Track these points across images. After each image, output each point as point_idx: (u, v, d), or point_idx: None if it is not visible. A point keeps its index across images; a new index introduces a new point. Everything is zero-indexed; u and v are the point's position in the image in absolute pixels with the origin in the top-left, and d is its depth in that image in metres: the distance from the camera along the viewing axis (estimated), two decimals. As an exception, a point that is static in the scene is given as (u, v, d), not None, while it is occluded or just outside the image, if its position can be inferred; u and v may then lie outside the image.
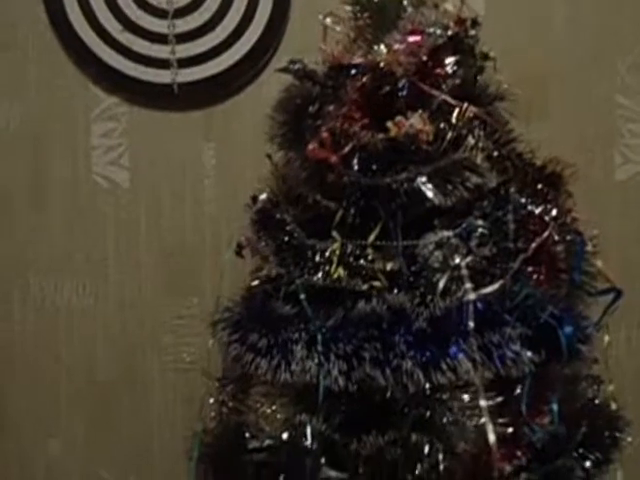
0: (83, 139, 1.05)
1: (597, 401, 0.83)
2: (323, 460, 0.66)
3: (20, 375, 1.07)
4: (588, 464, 0.74)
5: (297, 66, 0.84)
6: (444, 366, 0.63)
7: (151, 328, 1.08)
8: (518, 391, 0.67)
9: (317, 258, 0.71)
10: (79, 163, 1.05)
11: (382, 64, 0.76)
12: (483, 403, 0.62)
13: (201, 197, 1.07)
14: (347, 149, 0.67)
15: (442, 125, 0.75)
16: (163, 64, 1.01)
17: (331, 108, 0.77)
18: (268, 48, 1.02)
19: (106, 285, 1.07)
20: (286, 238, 0.74)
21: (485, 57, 0.83)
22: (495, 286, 0.68)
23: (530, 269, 0.73)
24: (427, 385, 0.63)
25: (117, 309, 1.07)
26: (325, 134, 0.67)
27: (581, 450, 0.74)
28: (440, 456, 0.62)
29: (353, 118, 0.70)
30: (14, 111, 1.03)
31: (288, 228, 0.74)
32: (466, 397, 0.65)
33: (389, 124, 0.71)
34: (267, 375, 0.67)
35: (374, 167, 0.68)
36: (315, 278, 0.70)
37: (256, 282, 0.79)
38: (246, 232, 0.82)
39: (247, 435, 0.70)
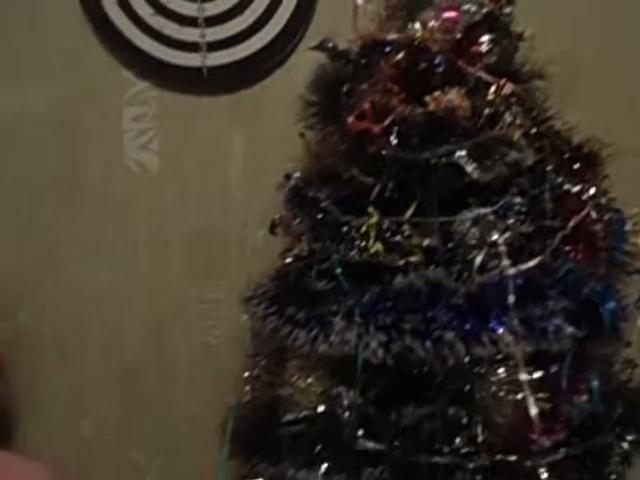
0: (115, 123, 1.04)
1: (631, 384, 0.81)
2: (360, 432, 0.66)
3: (52, 356, 1.07)
4: (626, 444, 0.73)
5: (330, 44, 0.83)
6: (485, 338, 0.62)
7: (179, 310, 1.08)
8: (557, 368, 0.66)
9: (353, 234, 0.70)
10: (110, 147, 1.05)
11: (417, 41, 0.76)
12: (524, 377, 0.61)
13: (228, 181, 1.07)
14: (387, 121, 0.66)
15: (478, 102, 0.74)
16: (193, 47, 1.01)
17: (364, 86, 0.77)
18: (297, 31, 1.02)
19: (136, 267, 1.07)
20: (321, 215, 0.73)
21: (520, 37, 0.82)
22: (535, 261, 0.67)
23: (568, 247, 0.72)
24: (467, 358, 0.63)
25: (146, 291, 1.07)
26: (366, 105, 0.66)
27: (618, 430, 0.73)
28: (479, 428, 0.61)
29: (391, 92, 0.69)
30: (48, 96, 1.03)
31: (322, 205, 0.74)
32: (505, 371, 0.64)
33: (427, 99, 0.70)
34: (305, 347, 0.67)
35: (413, 141, 0.67)
36: (352, 253, 0.69)
37: (288, 260, 0.79)
38: (279, 211, 0.82)
39: (282, 408, 0.70)
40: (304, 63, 1.02)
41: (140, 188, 1.06)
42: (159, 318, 1.08)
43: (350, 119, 0.68)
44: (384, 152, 0.67)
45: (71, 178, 1.05)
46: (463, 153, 0.67)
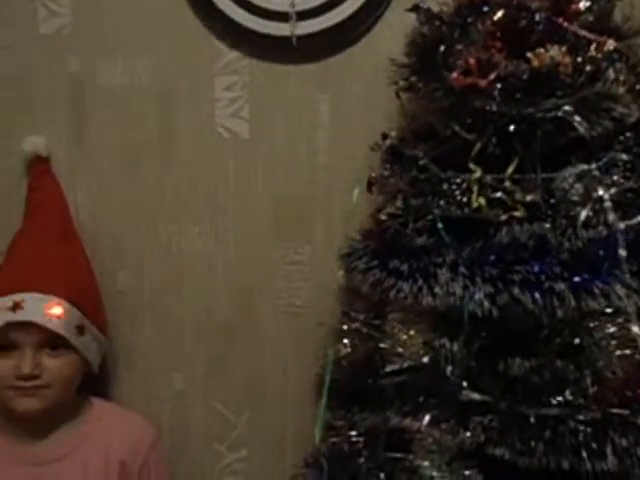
0: (207, 92, 1.06)
1: None
2: (464, 383, 0.65)
3: (149, 314, 1.11)
4: None
5: (425, 6, 0.82)
6: (596, 291, 0.61)
7: (265, 272, 1.10)
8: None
9: (454, 190, 0.70)
10: (203, 115, 1.07)
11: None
12: (636, 330, 0.59)
13: (315, 147, 1.07)
14: (492, 76, 0.65)
15: (579, 59, 0.71)
16: (283, 17, 1.02)
17: (460, 46, 0.76)
18: (384, -2, 1.01)
19: (225, 230, 1.09)
20: (419, 172, 0.73)
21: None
22: (645, 215, 0.65)
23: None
24: (576, 311, 0.61)
25: (235, 253, 1.10)
26: (472, 61, 0.65)
27: None
28: (589, 382, 0.60)
29: (493, 48, 0.67)
30: (145, 67, 1.06)
31: (421, 163, 0.73)
32: (616, 325, 0.63)
33: (530, 55, 0.68)
34: (408, 299, 0.67)
35: (517, 96, 0.66)
36: (453, 209, 0.68)
37: (382, 218, 0.79)
38: (374, 171, 0.82)
39: (382, 360, 0.70)
40: (390, 30, 1.03)
41: (230, 154, 1.08)
42: (247, 279, 1.10)
43: (454, 75, 0.67)
44: (488, 107, 0.66)
45: (167, 145, 1.08)
46: (569, 108, 0.65)
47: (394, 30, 1.02)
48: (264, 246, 1.09)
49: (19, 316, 0.90)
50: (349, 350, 0.77)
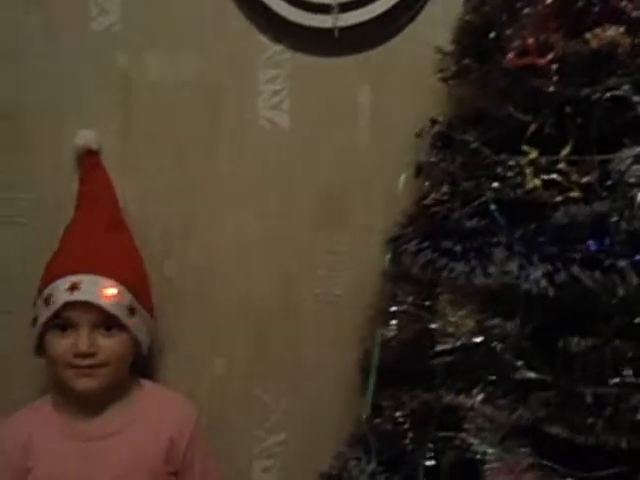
0: (250, 85, 1.06)
1: None
2: (519, 362, 0.64)
3: (192, 301, 1.11)
4: None
5: (475, -8, 0.81)
6: (658, 269, 0.59)
7: (305, 261, 1.09)
8: None
9: (507, 172, 0.68)
10: (246, 107, 1.07)
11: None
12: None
13: (355, 137, 1.06)
14: (550, 56, 0.63)
15: (636, 40, 0.69)
16: (325, 9, 1.01)
17: (510, 31, 0.74)
18: (425, -11, 1.00)
19: (267, 220, 1.09)
20: (470, 156, 0.72)
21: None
22: None
23: None
24: (637, 289, 0.59)
25: (276, 241, 1.09)
26: (530, 40, 0.64)
27: None
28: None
29: (550, 29, 0.66)
30: (190, 61, 1.06)
31: (472, 146, 0.72)
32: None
33: (588, 36, 0.66)
34: (460, 279, 0.65)
35: (575, 77, 0.64)
36: (506, 191, 0.67)
37: (427, 203, 0.78)
38: (421, 156, 0.81)
39: (432, 340, 0.69)
40: (432, 20, 1.02)
41: (272, 145, 1.07)
42: (288, 267, 1.10)
43: (510, 56, 0.65)
44: (545, 88, 0.64)
45: (211, 137, 1.08)
46: (628, 87, 0.63)
47: (436, 20, 1.01)
48: (304, 235, 1.09)
49: (76, 296, 0.91)
50: (397, 332, 0.76)
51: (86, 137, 1.05)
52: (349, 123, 1.06)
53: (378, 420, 0.78)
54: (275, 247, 1.09)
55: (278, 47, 1.05)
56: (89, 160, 1.05)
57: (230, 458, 1.11)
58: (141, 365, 1.06)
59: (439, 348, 0.68)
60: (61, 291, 0.92)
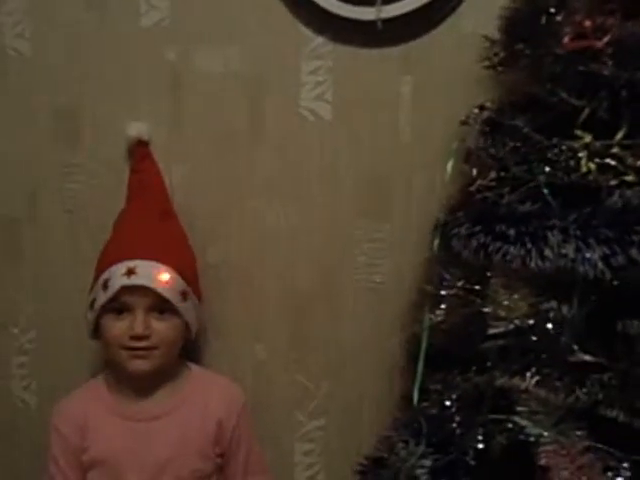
0: (293, 77, 1.06)
1: None
2: (575, 345, 0.62)
3: (236, 287, 1.11)
4: None
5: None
6: None
7: (347, 249, 1.09)
8: None
9: (559, 156, 0.66)
10: (289, 99, 1.06)
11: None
12: None
13: (397, 128, 1.05)
14: (605, 39, 0.61)
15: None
16: (369, 1, 0.99)
17: (559, 18, 0.72)
18: (468, -20, 0.98)
19: (309, 208, 1.08)
20: (521, 142, 0.70)
21: None
22: None
23: None
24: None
25: (317, 229, 1.09)
26: (588, 23, 0.62)
27: None
28: None
29: (605, 12, 0.64)
30: (236, 54, 1.06)
31: (524, 131, 0.70)
32: None
33: (644, 18, 0.64)
34: (514, 263, 0.64)
35: (630, 60, 0.62)
36: (559, 175, 0.65)
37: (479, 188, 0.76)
38: (470, 142, 0.80)
39: (483, 324, 0.67)
40: (474, 10, 0.99)
41: (314, 135, 1.07)
42: (329, 255, 1.09)
43: (565, 40, 0.63)
44: (600, 72, 0.62)
45: (256, 128, 1.08)
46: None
47: (478, 9, 0.99)
48: (346, 224, 1.08)
49: (132, 280, 0.92)
50: (446, 316, 0.75)
51: (138, 128, 1.06)
52: (391, 113, 1.05)
53: (425, 404, 0.77)
54: (317, 235, 1.09)
55: (321, 39, 1.04)
56: (140, 151, 1.07)
57: (272, 441, 1.12)
58: (187, 350, 1.07)
59: (491, 331, 0.66)
60: (118, 276, 0.93)
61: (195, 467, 0.98)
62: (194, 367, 1.06)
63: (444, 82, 1.02)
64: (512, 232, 0.66)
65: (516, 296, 0.67)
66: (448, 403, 0.72)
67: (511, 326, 0.65)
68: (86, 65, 1.11)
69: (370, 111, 1.05)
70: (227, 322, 1.12)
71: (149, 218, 1.01)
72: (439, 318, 0.75)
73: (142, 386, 0.99)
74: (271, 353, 1.12)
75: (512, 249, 0.65)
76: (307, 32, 1.05)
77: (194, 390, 1.01)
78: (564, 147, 0.67)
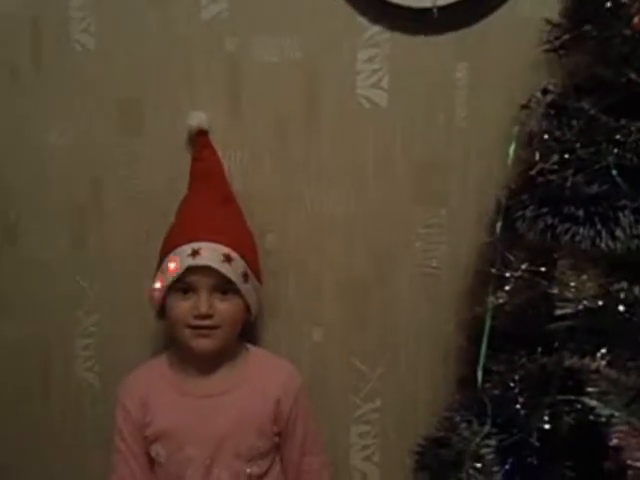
0: (349, 65, 1.07)
1: None
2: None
3: (292, 272, 1.14)
4: None
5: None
6: None
7: (402, 234, 1.10)
8: None
9: (629, 138, 0.66)
10: (345, 87, 1.08)
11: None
12: None
13: (453, 114, 1.06)
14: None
15: None
16: (425, -11, 1.01)
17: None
18: (525, -35, 0.97)
19: (365, 194, 1.10)
20: (587, 123, 0.70)
21: None
22: None
23: None
24: None
25: (373, 216, 1.10)
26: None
27: None
28: None
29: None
30: (293, 43, 1.09)
31: (590, 113, 0.69)
32: None
33: None
34: (583, 244, 0.64)
35: None
36: (629, 156, 0.65)
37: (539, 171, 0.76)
38: (533, 126, 0.80)
39: (550, 304, 0.68)
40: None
41: (370, 123, 1.08)
42: (385, 241, 1.11)
43: (636, 20, 0.63)
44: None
45: (313, 116, 1.10)
46: None
47: (533, -3, 0.99)
48: (402, 209, 1.09)
49: (197, 261, 0.96)
50: (510, 298, 0.75)
51: (198, 118, 1.10)
52: (447, 100, 1.05)
53: (488, 385, 0.78)
54: (373, 221, 1.11)
55: (377, 28, 1.06)
56: (200, 139, 1.10)
57: (328, 423, 1.14)
58: (246, 332, 1.10)
59: (559, 312, 0.67)
60: (184, 257, 0.96)
61: (253, 444, 1.00)
62: (253, 348, 1.10)
63: (500, 67, 1.02)
64: (581, 213, 0.66)
65: (584, 277, 0.67)
66: (512, 384, 0.73)
67: (580, 307, 0.66)
68: (148, 58, 1.15)
69: (426, 98, 1.06)
70: (285, 306, 1.16)
71: (211, 203, 1.04)
72: (502, 300, 0.76)
73: (204, 364, 1.03)
74: (327, 337, 1.15)
75: (581, 230, 0.66)
76: (363, 21, 1.06)
77: (253, 370, 1.05)
78: (633, 128, 0.66)
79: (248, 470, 1.00)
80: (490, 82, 1.03)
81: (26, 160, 1.23)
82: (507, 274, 0.75)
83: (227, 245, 0.98)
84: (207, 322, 0.97)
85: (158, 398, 1.02)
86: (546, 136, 0.74)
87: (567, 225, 0.67)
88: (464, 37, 1.04)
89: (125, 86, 1.17)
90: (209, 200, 1.05)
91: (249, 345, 1.10)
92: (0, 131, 1.24)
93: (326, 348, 1.15)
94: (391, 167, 1.09)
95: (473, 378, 0.81)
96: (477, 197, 1.05)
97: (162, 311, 1.03)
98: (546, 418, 0.69)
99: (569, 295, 0.68)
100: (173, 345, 1.08)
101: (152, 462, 1.04)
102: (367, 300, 1.12)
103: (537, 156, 0.78)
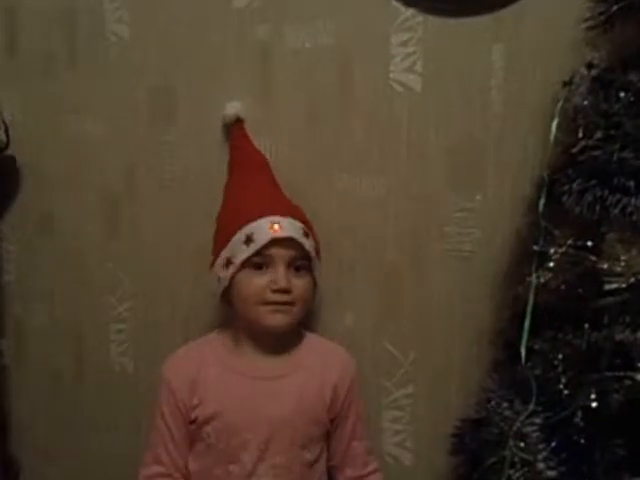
0: (383, 49, 1.07)
1: None
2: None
3: (325, 255, 1.10)
4: None
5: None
6: None
7: (435, 218, 1.09)
8: None
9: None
10: (379, 71, 1.08)
11: None
12: None
13: (488, 97, 1.04)
14: None
15: None
16: (460, -29, 1.00)
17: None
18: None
19: (398, 179, 1.09)
20: (636, 96, 0.68)
21: None
22: None
23: None
24: None
25: (406, 200, 1.10)
26: None
27: None
28: None
29: None
30: (326, 29, 1.08)
31: (639, 86, 0.68)
32: None
33: None
34: (636, 215, 0.62)
35: None
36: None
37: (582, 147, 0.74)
38: (575, 102, 0.78)
39: (597, 280, 0.66)
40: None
41: (404, 107, 1.07)
42: (416, 224, 1.10)
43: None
44: None
45: (346, 101, 1.09)
46: None
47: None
48: (435, 194, 1.08)
49: (280, 233, 0.93)
50: (554, 274, 0.74)
51: (235, 107, 1.10)
52: (482, 83, 1.04)
53: (529, 364, 0.76)
54: (406, 206, 1.10)
55: (411, 11, 1.05)
56: (237, 128, 1.10)
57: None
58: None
59: (607, 287, 0.65)
60: (265, 229, 0.92)
61: (308, 432, 0.97)
62: (307, 333, 1.07)
63: (536, 49, 1.00)
64: (632, 184, 0.65)
65: (634, 251, 0.65)
66: (555, 362, 0.72)
67: (632, 280, 0.65)
68: (181, 47, 1.16)
69: (460, 81, 1.05)
70: (318, 291, 1.13)
71: (267, 185, 1.03)
72: (546, 277, 0.75)
73: (264, 345, 0.98)
74: (360, 321, 1.14)
75: (633, 201, 0.64)
76: (397, 5, 1.06)
77: (310, 355, 1.01)
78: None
79: (307, 455, 0.97)
80: (526, 64, 1.01)
81: (61, 150, 1.25)
82: (551, 250, 0.74)
83: (301, 222, 0.97)
84: (285, 297, 0.93)
85: (210, 378, 0.97)
86: (591, 111, 0.73)
87: (617, 196, 0.66)
88: (499, 18, 1.02)
89: (158, 75, 1.17)
90: (262, 183, 1.03)
91: (303, 330, 1.07)
92: (36, 121, 1.26)
93: (358, 333, 1.14)
94: (425, 151, 1.08)
95: (511, 359, 0.80)
96: (512, 182, 1.04)
97: (226, 291, 0.97)
98: (593, 396, 0.68)
99: (618, 269, 0.66)
100: (229, 325, 1.05)
101: (191, 443, 1.00)
102: (399, 284, 1.11)
103: (580, 133, 0.77)
